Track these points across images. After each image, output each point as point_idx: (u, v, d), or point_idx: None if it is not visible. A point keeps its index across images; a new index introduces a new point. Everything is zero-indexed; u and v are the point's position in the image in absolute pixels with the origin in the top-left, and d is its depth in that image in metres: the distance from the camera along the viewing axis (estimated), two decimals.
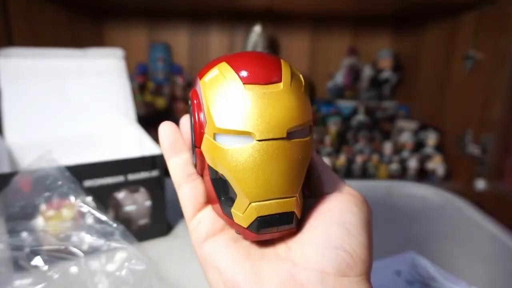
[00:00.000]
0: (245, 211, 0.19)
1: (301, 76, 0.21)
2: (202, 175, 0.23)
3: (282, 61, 0.20)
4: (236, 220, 0.20)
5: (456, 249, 0.46)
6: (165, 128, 0.22)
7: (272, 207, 0.19)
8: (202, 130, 0.20)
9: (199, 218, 0.22)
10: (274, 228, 0.19)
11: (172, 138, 0.22)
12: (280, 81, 0.19)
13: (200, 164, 0.21)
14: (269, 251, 0.20)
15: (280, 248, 0.20)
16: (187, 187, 0.22)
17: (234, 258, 0.20)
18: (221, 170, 0.19)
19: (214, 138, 0.19)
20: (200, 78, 0.20)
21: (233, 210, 0.20)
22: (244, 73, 0.19)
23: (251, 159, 0.18)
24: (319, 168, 0.23)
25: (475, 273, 0.41)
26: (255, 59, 0.19)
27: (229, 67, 0.19)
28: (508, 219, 0.59)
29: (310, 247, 0.19)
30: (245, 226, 0.19)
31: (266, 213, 0.19)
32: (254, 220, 0.19)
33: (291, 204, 0.19)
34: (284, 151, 0.18)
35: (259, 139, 0.18)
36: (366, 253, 0.19)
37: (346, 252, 0.18)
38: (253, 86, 0.18)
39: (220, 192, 0.21)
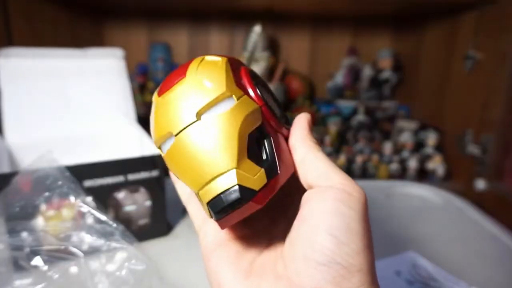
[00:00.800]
0: (202, 203, 0.19)
1: (220, 59, 0.20)
2: None
3: (198, 58, 0.21)
4: (207, 215, 0.20)
5: (456, 249, 0.46)
6: None
7: (213, 188, 0.18)
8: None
9: (204, 230, 0.23)
10: (227, 208, 0.18)
11: None
12: (184, 76, 0.20)
13: None
14: (270, 266, 0.20)
15: (279, 263, 0.20)
16: (192, 203, 0.25)
17: (234, 276, 0.20)
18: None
19: (161, 151, 0.21)
20: None
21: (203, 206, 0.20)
22: (160, 88, 0.21)
23: (178, 153, 0.19)
24: (293, 143, 0.22)
25: (475, 273, 0.41)
26: (173, 71, 0.21)
27: (157, 89, 0.21)
28: (508, 219, 0.59)
29: (302, 263, 0.18)
30: (210, 218, 0.20)
31: (211, 197, 0.18)
32: (208, 208, 0.19)
33: (232, 178, 0.18)
34: (201, 132, 0.19)
35: (176, 133, 0.19)
36: (361, 260, 0.17)
37: (339, 264, 0.17)
38: (165, 94, 0.20)
39: None
